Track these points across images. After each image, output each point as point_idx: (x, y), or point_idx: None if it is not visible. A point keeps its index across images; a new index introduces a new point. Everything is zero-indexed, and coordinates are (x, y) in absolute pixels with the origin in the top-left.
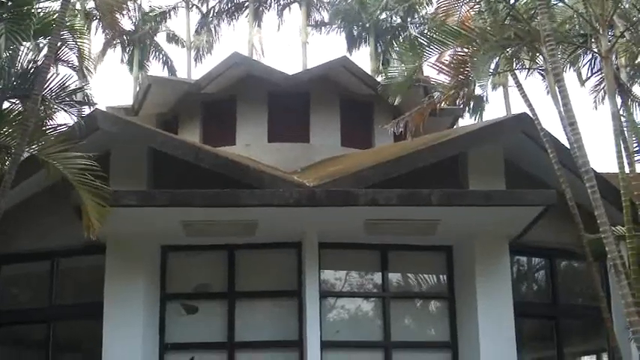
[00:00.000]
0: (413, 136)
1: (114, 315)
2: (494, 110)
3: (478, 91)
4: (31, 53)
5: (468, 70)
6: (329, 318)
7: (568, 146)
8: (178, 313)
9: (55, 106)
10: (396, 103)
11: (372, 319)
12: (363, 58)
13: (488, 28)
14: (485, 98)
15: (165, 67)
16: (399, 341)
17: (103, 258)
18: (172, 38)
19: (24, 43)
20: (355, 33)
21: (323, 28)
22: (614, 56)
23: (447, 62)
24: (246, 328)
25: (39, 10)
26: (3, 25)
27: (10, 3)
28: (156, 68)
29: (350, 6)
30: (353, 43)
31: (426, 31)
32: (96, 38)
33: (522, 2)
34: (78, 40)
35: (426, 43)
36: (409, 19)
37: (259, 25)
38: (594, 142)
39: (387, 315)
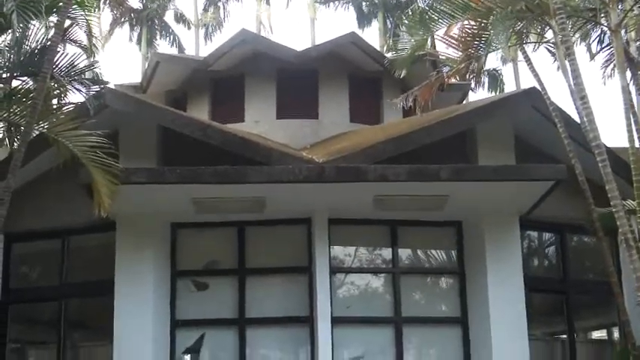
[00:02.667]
0: (422, 111)
1: (125, 292)
2: (508, 86)
3: (489, 65)
4: (41, 31)
5: (477, 44)
6: (339, 294)
7: (578, 121)
8: (189, 290)
9: (65, 85)
10: (402, 75)
11: (382, 295)
12: (372, 34)
13: (498, 2)
14: (500, 73)
15: (174, 45)
16: (409, 317)
17: (114, 235)
18: (180, 18)
19: (33, 21)
20: (364, 9)
21: (331, 4)
22: (623, 30)
23: (456, 36)
24: (256, 304)
25: None
26: (13, 2)
27: None
28: (164, 47)
29: None
30: (362, 19)
31: (435, 4)
32: (104, 17)
33: None
34: (87, 17)
35: (435, 16)
36: None
37: (267, 2)
38: (604, 117)
39: (398, 291)
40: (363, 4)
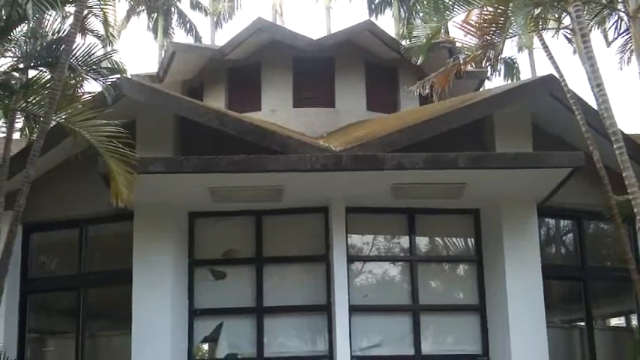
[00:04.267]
0: (439, 98)
1: (143, 281)
2: (524, 74)
3: (507, 52)
4: (57, 21)
5: (494, 30)
6: (357, 282)
7: (595, 108)
8: (207, 279)
9: (82, 75)
10: (419, 62)
11: (399, 283)
12: (386, 22)
13: None
14: (516, 61)
15: (190, 34)
16: (427, 304)
17: (131, 225)
18: (196, 5)
19: (49, 11)
20: None
21: None
22: None
23: (473, 22)
24: (274, 293)
25: None
26: None
27: None
28: (180, 35)
29: None
30: (376, 7)
31: None
32: (119, 6)
33: None
34: (103, 7)
35: (450, 3)
36: None
37: None
38: (621, 103)
39: (415, 279)
40: None
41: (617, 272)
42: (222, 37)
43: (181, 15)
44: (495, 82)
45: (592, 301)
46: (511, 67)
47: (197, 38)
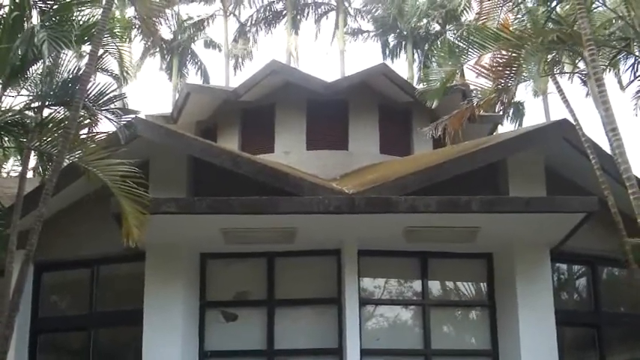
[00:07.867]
0: (452, 142)
1: (154, 322)
2: (532, 117)
3: (519, 96)
4: (73, 61)
5: (508, 74)
6: (369, 326)
7: (609, 152)
8: (218, 321)
9: (97, 114)
10: (434, 106)
11: (411, 327)
12: (400, 66)
13: (530, 31)
14: (523, 105)
15: (198, 73)
16: (439, 349)
17: (143, 265)
18: (210, 44)
19: (65, 50)
20: (392, 41)
21: (360, 36)
22: None
23: (487, 66)
24: (285, 335)
25: (80, 18)
26: (44, 32)
27: (51, 12)
28: (192, 74)
29: (387, 14)
30: (391, 51)
31: (465, 34)
32: (134, 47)
33: (564, 7)
34: (119, 45)
35: (464, 47)
36: (447, 26)
37: (297, 34)
38: (636, 148)
39: (427, 323)
40: (391, 35)
41: (632, 318)
42: (237, 77)
43: (193, 55)
44: (503, 125)
45: (606, 348)
46: (519, 111)
47: (206, 78)
